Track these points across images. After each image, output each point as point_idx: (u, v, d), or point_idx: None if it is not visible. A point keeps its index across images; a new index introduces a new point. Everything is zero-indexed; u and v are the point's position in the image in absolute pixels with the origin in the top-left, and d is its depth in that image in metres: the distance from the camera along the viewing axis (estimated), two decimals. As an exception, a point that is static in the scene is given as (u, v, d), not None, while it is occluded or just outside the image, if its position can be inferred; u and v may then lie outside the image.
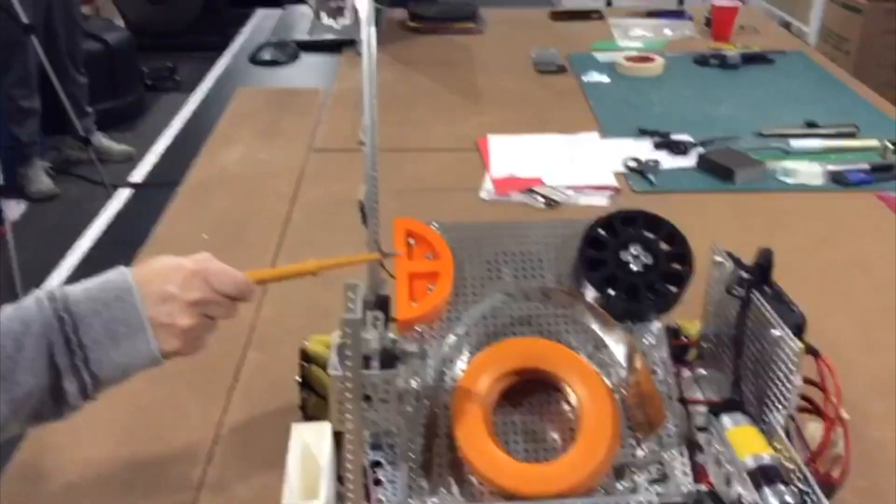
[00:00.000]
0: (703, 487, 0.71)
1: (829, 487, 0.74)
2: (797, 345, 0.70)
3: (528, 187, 1.50)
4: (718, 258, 0.85)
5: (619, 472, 0.77)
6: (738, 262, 0.82)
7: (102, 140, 3.50)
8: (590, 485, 0.73)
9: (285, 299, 1.21)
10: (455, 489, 0.76)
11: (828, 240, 1.40)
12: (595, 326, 0.83)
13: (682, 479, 0.76)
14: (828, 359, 0.74)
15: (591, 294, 0.84)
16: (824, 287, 1.28)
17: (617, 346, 0.82)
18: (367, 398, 0.65)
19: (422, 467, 0.76)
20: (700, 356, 0.91)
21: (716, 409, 0.76)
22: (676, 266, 0.85)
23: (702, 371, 0.90)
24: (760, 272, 0.79)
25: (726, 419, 0.75)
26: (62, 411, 0.67)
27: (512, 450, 0.78)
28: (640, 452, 0.77)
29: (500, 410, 0.80)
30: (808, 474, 0.67)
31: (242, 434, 0.98)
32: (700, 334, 0.90)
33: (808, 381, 0.75)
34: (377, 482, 0.76)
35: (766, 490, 0.67)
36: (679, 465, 0.76)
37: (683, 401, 0.85)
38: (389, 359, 0.65)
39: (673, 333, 0.97)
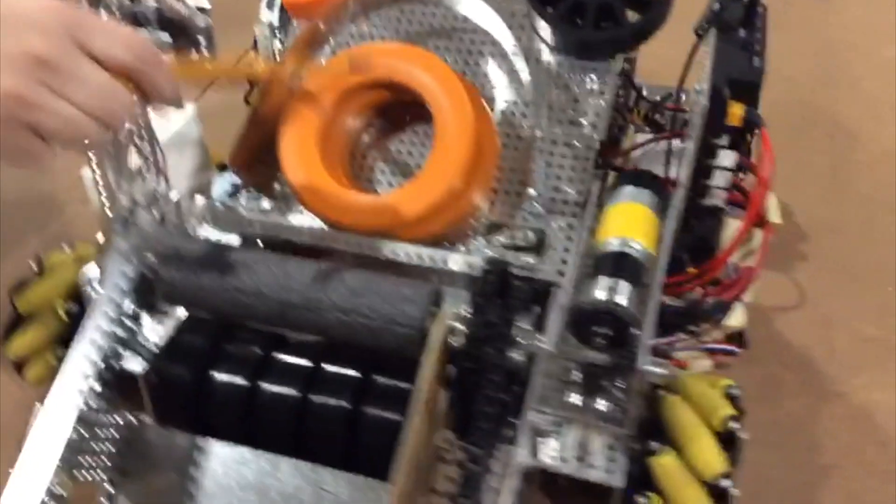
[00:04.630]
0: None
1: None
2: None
3: None
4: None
5: (493, 228, 0.61)
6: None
7: None
8: (431, 229, 0.58)
9: None
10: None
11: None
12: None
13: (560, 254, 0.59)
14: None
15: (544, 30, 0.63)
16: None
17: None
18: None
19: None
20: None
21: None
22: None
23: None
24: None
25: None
26: None
27: (375, 179, 0.64)
28: (523, 214, 0.61)
29: (361, 132, 0.64)
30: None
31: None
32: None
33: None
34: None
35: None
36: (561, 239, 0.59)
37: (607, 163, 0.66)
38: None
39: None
